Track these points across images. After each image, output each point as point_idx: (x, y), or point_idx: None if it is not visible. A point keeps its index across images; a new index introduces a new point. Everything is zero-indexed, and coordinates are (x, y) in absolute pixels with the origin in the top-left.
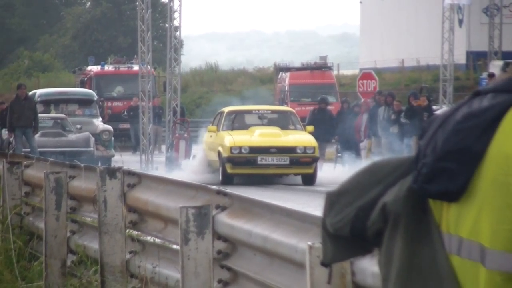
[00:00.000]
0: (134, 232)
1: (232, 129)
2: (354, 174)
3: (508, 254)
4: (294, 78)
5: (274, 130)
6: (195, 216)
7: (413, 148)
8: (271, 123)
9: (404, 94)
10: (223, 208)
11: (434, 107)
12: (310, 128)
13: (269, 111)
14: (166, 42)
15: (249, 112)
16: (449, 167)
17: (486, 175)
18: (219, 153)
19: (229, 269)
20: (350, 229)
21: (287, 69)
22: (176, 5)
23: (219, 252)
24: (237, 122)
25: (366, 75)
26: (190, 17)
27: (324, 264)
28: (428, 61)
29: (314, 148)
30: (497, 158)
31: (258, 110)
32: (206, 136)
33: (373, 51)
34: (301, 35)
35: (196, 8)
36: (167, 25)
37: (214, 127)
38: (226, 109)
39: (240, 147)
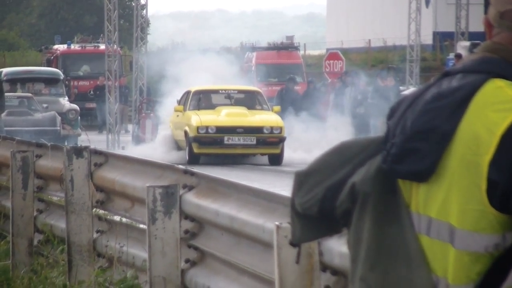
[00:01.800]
0: (101, 212)
1: (199, 108)
2: (322, 154)
3: (476, 234)
4: (261, 58)
5: (241, 110)
6: (162, 195)
7: (380, 129)
8: (238, 103)
9: (371, 74)
10: (190, 188)
11: (401, 87)
12: (277, 108)
13: (236, 91)
14: (132, 21)
15: (215, 91)
16: (418, 147)
17: (455, 155)
18: (185, 133)
19: (196, 248)
20: (319, 209)
21: (253, 49)
22: None
23: (186, 231)
24: (204, 101)
25: (332, 55)
26: None
27: (293, 244)
28: (394, 42)
29: (280, 128)
30: (466, 138)
31: (225, 90)
32: (173, 116)
33: (339, 31)
34: (267, 15)
35: None
36: (133, 4)
37: (180, 107)
38: (193, 89)
39: (207, 127)
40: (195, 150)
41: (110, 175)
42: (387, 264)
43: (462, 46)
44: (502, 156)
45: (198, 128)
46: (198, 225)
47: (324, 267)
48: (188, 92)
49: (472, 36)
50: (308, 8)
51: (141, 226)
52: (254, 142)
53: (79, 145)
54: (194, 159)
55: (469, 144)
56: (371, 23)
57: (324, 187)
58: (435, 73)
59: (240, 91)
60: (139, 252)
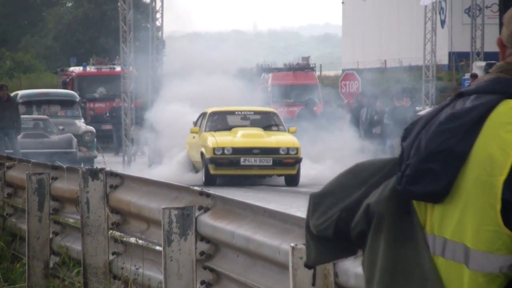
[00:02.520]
0: (117, 233)
1: (215, 130)
2: (337, 176)
3: (490, 255)
4: (277, 79)
5: (257, 131)
6: (177, 217)
7: (396, 149)
8: (254, 124)
9: (387, 95)
10: (205, 209)
11: (417, 108)
12: (293, 129)
13: (252, 112)
14: (148, 43)
15: (231, 113)
16: (432, 168)
17: (469, 176)
18: (202, 154)
19: (212, 270)
20: (334, 230)
21: (269, 69)
22: (158, 5)
23: (202, 253)
24: (220, 123)
25: (348, 76)
26: (171, 17)
27: (308, 265)
28: (410, 62)
29: (297, 149)
30: (480, 159)
31: (241, 111)
32: (189, 137)
33: (355, 52)
34: (283, 35)
35: (178, 8)
36: (149, 25)
37: (196, 128)
38: (209, 110)
39: (223, 148)
40: (212, 171)
41: (126, 197)
42: (402, 286)
43: (478, 66)
44: None
45: (214, 149)
46: (214, 247)
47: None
48: (204, 114)
49: (488, 56)
50: (324, 28)
51: (157, 248)
52: (271, 163)
53: (95, 167)
54: (210, 180)
55: (484, 165)
56: (386, 43)
57: (339, 208)
58: (451, 93)
59: (256, 112)
60: (154, 274)
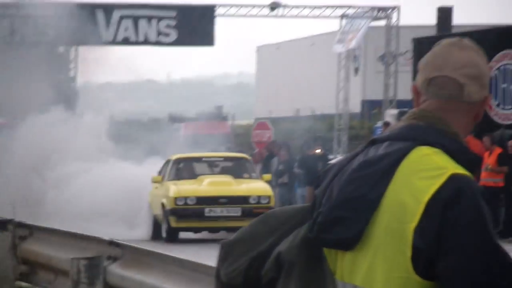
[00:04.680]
0: (24, 284)
1: (179, 178)
2: (249, 224)
3: None
4: (189, 129)
5: (225, 178)
6: (86, 267)
7: (307, 198)
8: (224, 171)
9: (299, 144)
10: (114, 259)
11: (329, 156)
12: (267, 176)
13: (222, 158)
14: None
15: (198, 159)
16: (344, 215)
17: (380, 223)
18: (162, 205)
19: None
20: (244, 279)
21: (181, 119)
22: (71, 55)
23: None
24: (185, 171)
25: (261, 125)
26: (83, 68)
27: None
28: (323, 110)
29: (269, 197)
30: (391, 206)
31: (209, 157)
32: (151, 188)
33: (268, 100)
34: (197, 85)
35: (92, 58)
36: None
37: (159, 177)
38: (173, 157)
39: (186, 198)
40: (173, 224)
41: (35, 247)
42: None
43: (390, 114)
44: (427, 223)
45: (176, 199)
46: None
47: None
48: (168, 161)
49: (400, 104)
50: (238, 77)
51: None
52: (239, 213)
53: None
54: (172, 234)
55: (395, 212)
56: (300, 91)
57: (250, 257)
58: (362, 141)
59: (226, 158)
60: None
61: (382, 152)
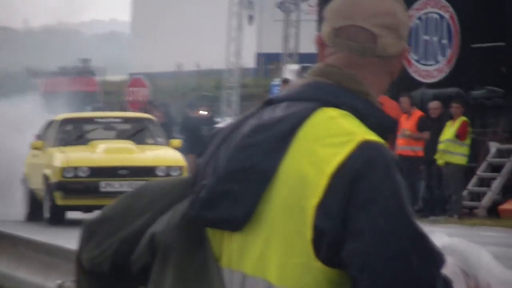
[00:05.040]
0: None
1: (66, 144)
2: (119, 199)
3: None
4: (50, 86)
5: (125, 144)
6: None
7: (190, 168)
8: (122, 135)
9: (181, 104)
10: None
11: (216, 119)
12: (177, 142)
13: (120, 119)
14: None
15: (90, 120)
16: (233, 189)
17: (275, 199)
18: (45, 178)
19: None
20: (111, 265)
21: (41, 74)
22: None
23: None
24: (74, 134)
25: (136, 82)
26: None
27: None
28: (211, 65)
29: (180, 168)
30: (289, 179)
31: (104, 117)
32: (28, 157)
33: (146, 53)
34: (60, 34)
35: None
36: None
37: (40, 142)
38: (59, 117)
39: (76, 168)
40: (59, 201)
41: None
42: None
43: (290, 70)
44: (331, 199)
45: (63, 169)
46: None
47: None
48: (51, 122)
49: (303, 58)
50: (110, 25)
51: None
52: None
53: None
54: (57, 214)
55: (293, 186)
56: (183, 43)
57: (118, 238)
58: (256, 102)
59: (124, 119)
60: None
61: (280, 115)
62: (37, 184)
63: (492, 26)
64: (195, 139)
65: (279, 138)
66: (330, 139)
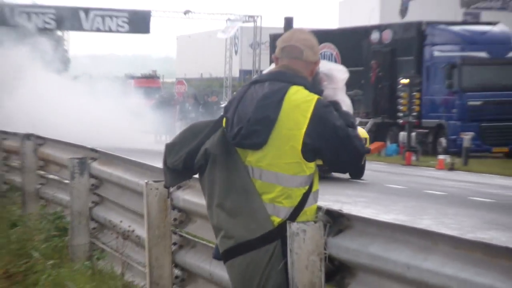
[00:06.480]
0: (41, 172)
1: None
2: (182, 131)
3: (295, 176)
4: (137, 83)
5: None
6: (78, 163)
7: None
8: None
9: (203, 94)
10: (94, 159)
11: (220, 102)
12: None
13: None
14: None
15: None
16: (257, 129)
17: (279, 132)
18: None
19: (98, 195)
20: (183, 165)
21: (132, 77)
22: None
23: (92, 185)
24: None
25: (179, 82)
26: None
27: (166, 186)
28: (217, 75)
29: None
30: (284, 121)
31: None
32: None
33: (184, 67)
34: (142, 57)
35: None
36: None
37: None
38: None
39: None
40: None
41: (47, 150)
42: (234, 196)
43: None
44: (311, 128)
45: None
46: (99, 181)
47: (173, 207)
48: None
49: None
50: (166, 51)
51: (66, 181)
52: None
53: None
54: None
55: (286, 124)
56: (203, 63)
57: (185, 151)
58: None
59: None
60: (65, 196)
61: (274, 88)
62: None
63: None
64: (209, 112)
65: (277, 101)
66: (303, 100)
